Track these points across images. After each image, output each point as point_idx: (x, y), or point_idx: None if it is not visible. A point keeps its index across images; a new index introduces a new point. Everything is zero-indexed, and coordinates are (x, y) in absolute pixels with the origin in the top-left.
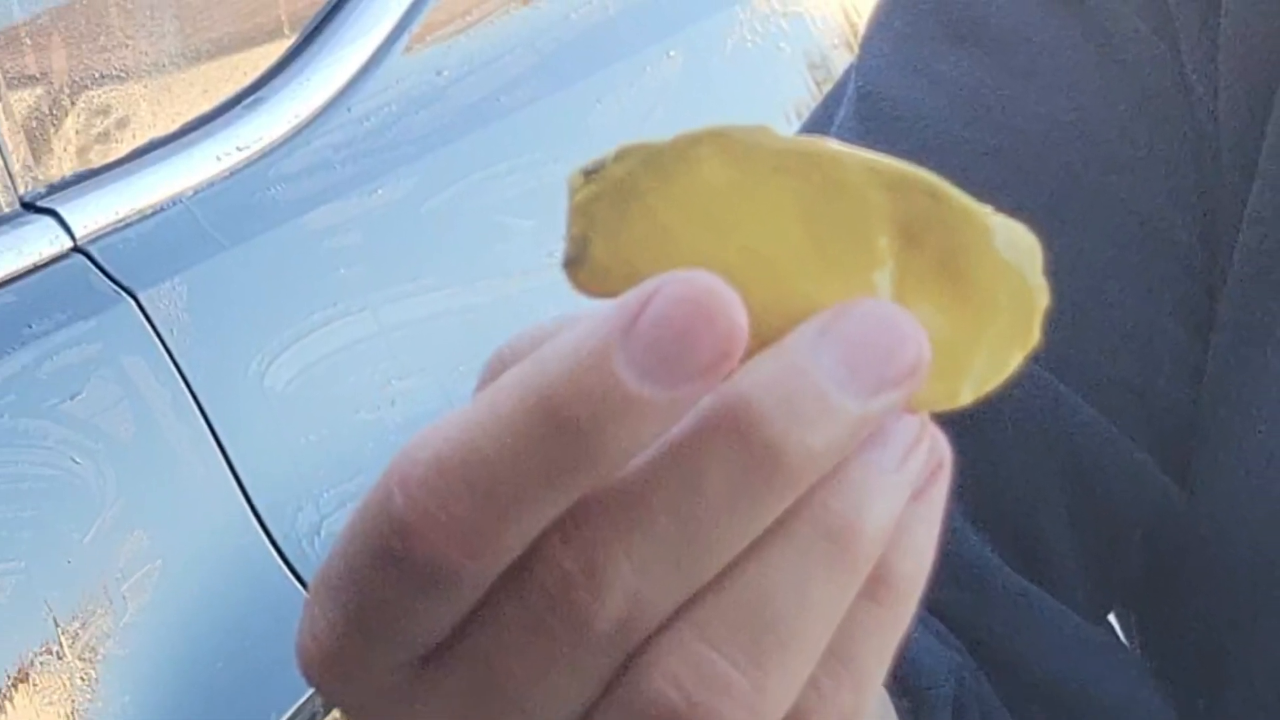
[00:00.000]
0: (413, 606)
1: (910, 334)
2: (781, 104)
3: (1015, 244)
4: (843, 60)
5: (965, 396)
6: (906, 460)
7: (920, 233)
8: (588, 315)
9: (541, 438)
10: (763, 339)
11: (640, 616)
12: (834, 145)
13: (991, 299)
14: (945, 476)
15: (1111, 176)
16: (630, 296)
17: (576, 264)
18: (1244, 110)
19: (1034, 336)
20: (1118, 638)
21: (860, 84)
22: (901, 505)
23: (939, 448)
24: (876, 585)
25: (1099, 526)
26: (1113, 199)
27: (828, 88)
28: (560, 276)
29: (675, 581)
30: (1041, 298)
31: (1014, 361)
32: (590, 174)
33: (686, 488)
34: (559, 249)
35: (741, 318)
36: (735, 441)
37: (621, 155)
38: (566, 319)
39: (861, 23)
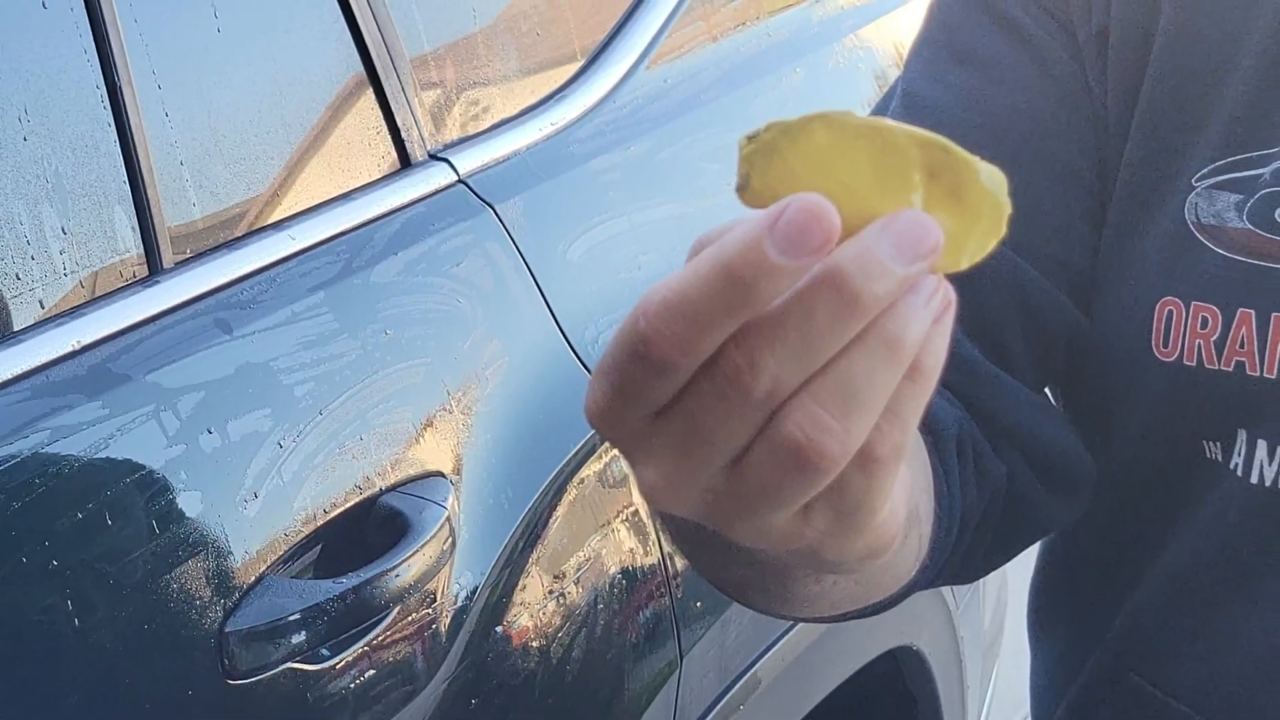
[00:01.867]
0: (649, 384)
1: (932, 230)
2: (859, 100)
3: (992, 179)
4: (893, 74)
5: (963, 265)
6: (930, 300)
7: (938, 172)
8: (749, 219)
9: (724, 288)
10: (849, 232)
11: (779, 390)
12: (889, 122)
13: (978, 210)
14: (952, 310)
15: (1047, 140)
16: (774, 208)
17: (742, 190)
18: (1122, 103)
19: (1003, 231)
20: (1051, 401)
21: (903, 88)
22: (928, 326)
23: (948, 293)
24: (913, 371)
25: (1039, 339)
26: (1047, 153)
27: (885, 90)
28: (734, 198)
29: (799, 369)
30: (1006, 209)
31: (991, 245)
32: (750, 138)
33: (805, 316)
34: (733, 181)
35: (836, 220)
36: (832, 290)
37: (768, 127)
38: (736, 221)
39: (905, 53)
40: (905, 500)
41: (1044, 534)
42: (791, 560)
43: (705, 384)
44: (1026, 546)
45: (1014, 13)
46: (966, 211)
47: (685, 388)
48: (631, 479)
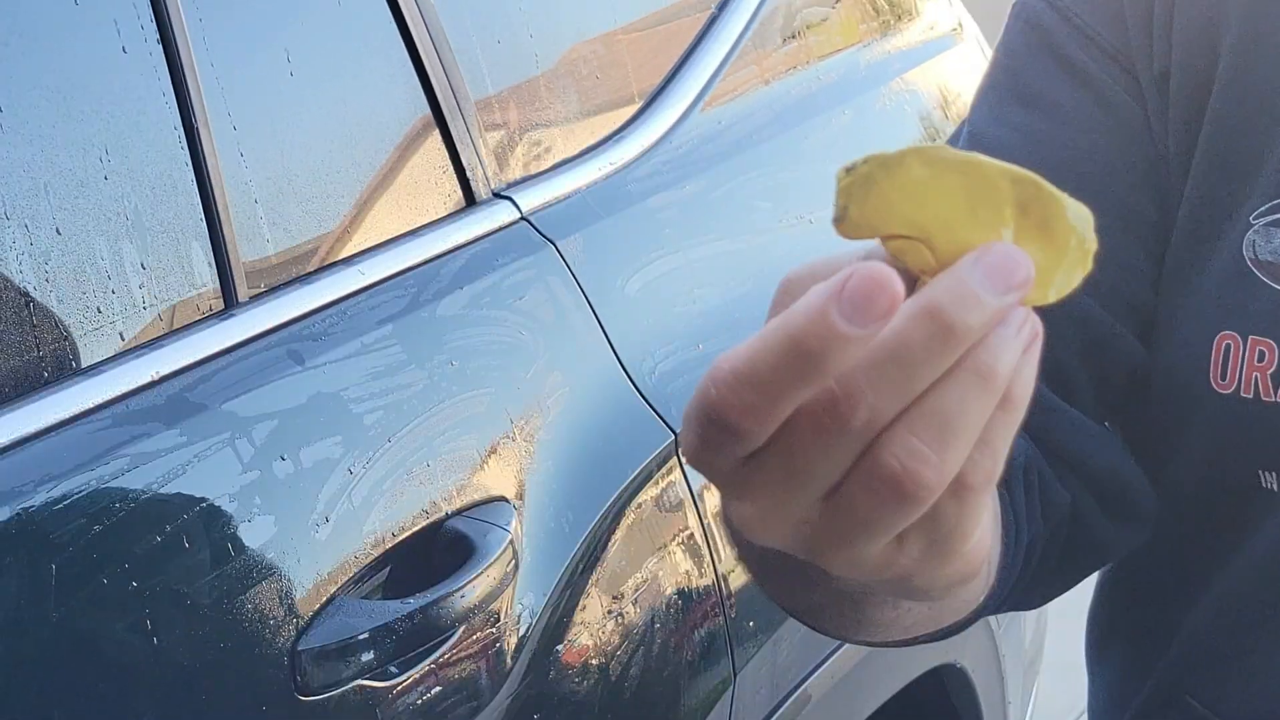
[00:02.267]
0: (725, 443)
1: (1023, 263)
2: (904, 141)
3: (1079, 215)
4: (939, 117)
5: (1050, 298)
6: (1021, 331)
7: (1028, 207)
8: (818, 287)
9: (793, 359)
10: (942, 264)
11: (876, 420)
12: (983, 157)
13: (1065, 244)
14: (1039, 340)
15: (1109, 179)
16: (838, 278)
17: (840, 221)
18: (1183, 143)
19: (1089, 267)
20: (1110, 431)
21: (970, 129)
22: (1019, 356)
23: (1036, 325)
24: (1005, 402)
25: (1101, 371)
26: (1110, 192)
27: (931, 132)
28: (783, 235)
29: (895, 400)
30: (1093, 246)
31: (1077, 280)
32: (848, 170)
33: (902, 349)
34: (789, 215)
35: (899, 286)
36: (928, 322)
37: (866, 160)
38: (827, 258)
39: (949, 96)
40: (991, 527)
41: (1104, 562)
42: (880, 588)
43: (805, 418)
44: (1087, 574)
45: (1077, 56)
46: (1054, 246)
47: (785, 424)
48: (702, 505)
